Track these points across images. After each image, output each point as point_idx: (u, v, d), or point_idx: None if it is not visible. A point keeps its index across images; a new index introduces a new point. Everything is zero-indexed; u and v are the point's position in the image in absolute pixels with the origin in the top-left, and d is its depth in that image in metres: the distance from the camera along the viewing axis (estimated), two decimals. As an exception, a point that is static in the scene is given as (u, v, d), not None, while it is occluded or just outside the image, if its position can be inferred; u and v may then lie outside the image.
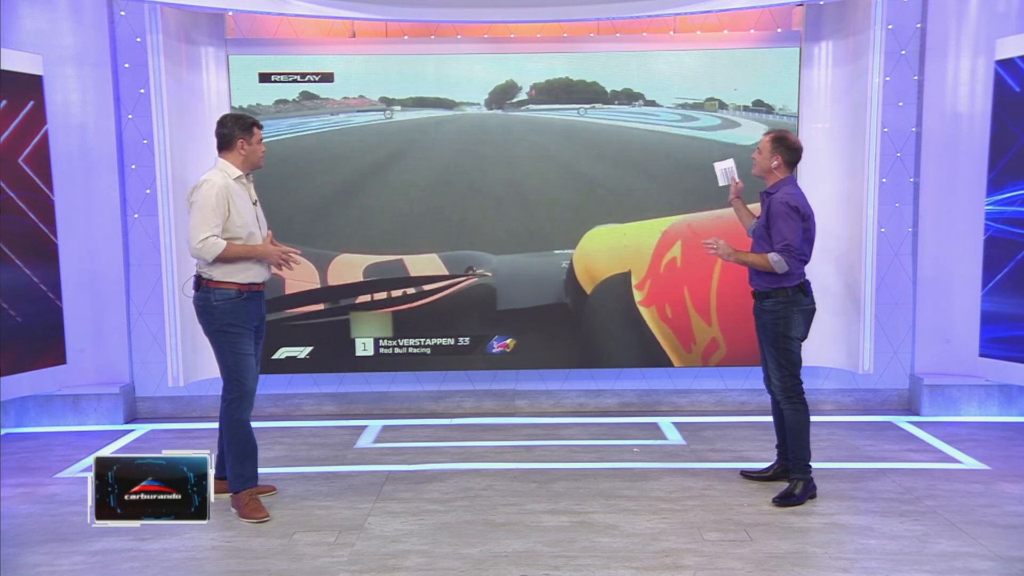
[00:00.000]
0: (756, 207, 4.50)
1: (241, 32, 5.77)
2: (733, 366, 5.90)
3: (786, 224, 4.10)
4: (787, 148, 4.23)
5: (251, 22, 5.77)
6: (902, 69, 5.73)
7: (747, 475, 4.60)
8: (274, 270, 4.23)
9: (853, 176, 5.68)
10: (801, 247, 4.15)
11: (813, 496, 4.26)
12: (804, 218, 4.15)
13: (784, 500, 4.20)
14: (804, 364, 4.27)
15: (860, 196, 5.62)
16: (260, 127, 4.18)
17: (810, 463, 4.27)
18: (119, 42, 5.71)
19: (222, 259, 3.99)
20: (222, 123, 4.15)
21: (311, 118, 5.70)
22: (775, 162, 4.23)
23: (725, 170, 4.59)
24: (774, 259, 4.12)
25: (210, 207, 3.95)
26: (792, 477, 4.27)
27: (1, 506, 4.28)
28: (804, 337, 4.30)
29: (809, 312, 4.27)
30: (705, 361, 5.86)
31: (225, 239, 3.99)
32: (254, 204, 4.19)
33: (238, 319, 4.06)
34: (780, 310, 4.20)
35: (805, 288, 4.24)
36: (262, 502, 4.15)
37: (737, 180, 4.57)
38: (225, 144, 4.12)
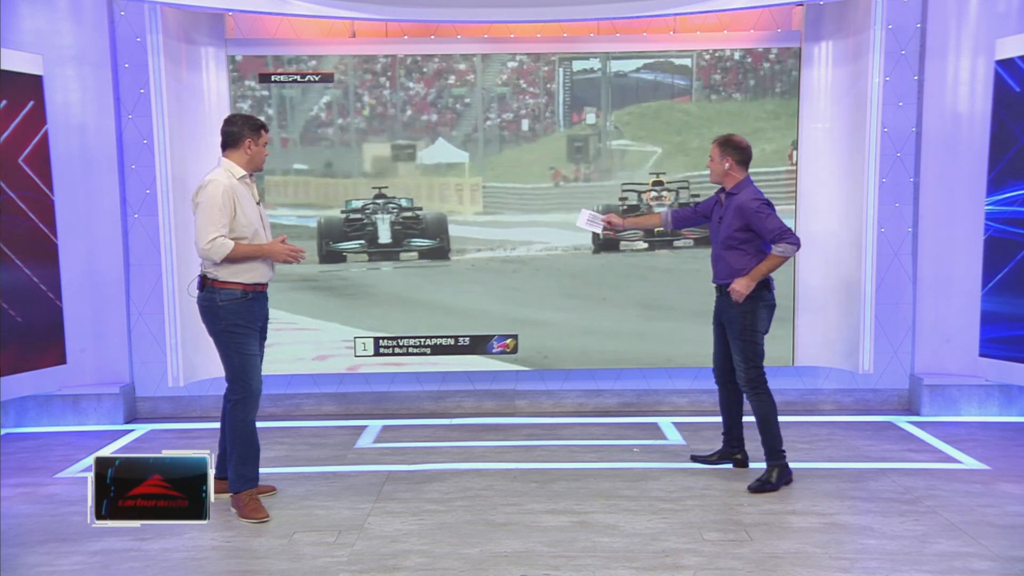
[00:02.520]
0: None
1: (241, 32, 5.77)
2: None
3: (768, 218, 4.30)
4: (734, 148, 4.42)
5: (251, 22, 5.76)
6: (902, 69, 5.73)
7: (696, 459, 4.80)
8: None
9: (853, 176, 5.67)
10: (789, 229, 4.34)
11: (789, 481, 4.39)
12: (773, 208, 4.38)
13: (760, 487, 4.33)
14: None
15: (860, 196, 5.61)
16: (267, 130, 4.19)
17: (782, 448, 4.41)
18: (119, 42, 5.70)
19: (230, 259, 3.98)
20: (231, 121, 4.14)
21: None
22: (727, 164, 4.43)
23: (589, 220, 4.67)
24: (779, 250, 4.30)
25: (216, 207, 3.95)
26: (768, 464, 4.40)
27: (1, 506, 4.28)
28: (767, 331, 4.48)
29: (772, 307, 4.46)
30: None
31: (231, 239, 3.99)
32: (258, 204, 4.19)
33: (243, 319, 4.06)
34: (747, 304, 4.37)
35: (769, 284, 4.43)
36: (262, 502, 4.15)
37: (604, 218, 4.69)
38: (232, 142, 4.11)
